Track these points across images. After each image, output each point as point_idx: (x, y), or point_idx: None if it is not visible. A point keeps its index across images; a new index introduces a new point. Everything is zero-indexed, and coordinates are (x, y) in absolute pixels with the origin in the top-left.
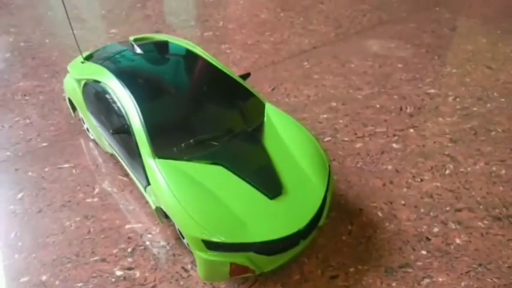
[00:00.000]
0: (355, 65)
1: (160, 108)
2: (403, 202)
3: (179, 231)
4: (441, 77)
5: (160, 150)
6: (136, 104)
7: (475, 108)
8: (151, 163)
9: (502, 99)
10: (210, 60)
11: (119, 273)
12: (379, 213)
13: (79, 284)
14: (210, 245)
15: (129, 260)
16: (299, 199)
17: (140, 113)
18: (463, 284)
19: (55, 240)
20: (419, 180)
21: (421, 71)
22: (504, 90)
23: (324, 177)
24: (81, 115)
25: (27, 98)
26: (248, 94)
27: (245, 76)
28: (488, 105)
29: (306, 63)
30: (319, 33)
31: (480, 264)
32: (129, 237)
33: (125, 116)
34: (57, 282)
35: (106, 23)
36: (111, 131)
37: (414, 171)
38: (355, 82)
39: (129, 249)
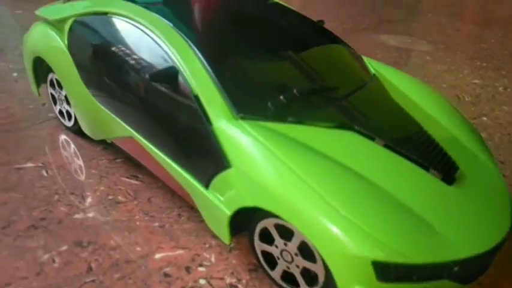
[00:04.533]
0: (382, 57)
1: (232, 47)
2: None
3: (261, 258)
4: (476, 69)
5: (247, 107)
6: (188, 37)
7: None
8: (230, 128)
9: None
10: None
11: None
12: None
13: None
14: (387, 272)
15: None
16: (481, 183)
17: (199, 52)
18: None
19: (25, 285)
20: None
21: (453, 63)
22: None
23: (485, 148)
24: (50, 91)
25: None
26: (340, 41)
27: (321, 22)
28: None
29: None
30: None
31: None
32: (166, 274)
33: (170, 57)
34: None
35: None
36: (147, 76)
37: None
38: None
39: None
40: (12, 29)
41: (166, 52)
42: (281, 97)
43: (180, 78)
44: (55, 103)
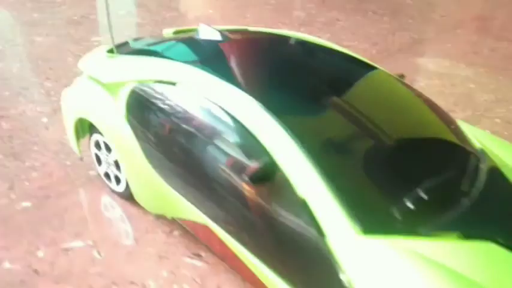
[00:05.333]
0: (426, 85)
1: (340, 136)
2: None
3: None
4: None
5: (367, 217)
6: (285, 123)
7: None
8: (350, 244)
9: None
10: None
11: None
12: None
13: None
14: None
15: None
16: None
17: (302, 144)
18: None
19: None
20: None
21: (498, 91)
22: None
23: None
24: (95, 151)
25: None
26: (434, 105)
27: (402, 77)
28: None
29: None
30: (359, 49)
31: None
32: None
33: (264, 148)
34: None
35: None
36: (246, 178)
37: None
38: (440, 103)
39: None
40: (34, 61)
41: (258, 141)
42: (406, 202)
43: (280, 175)
44: (99, 163)
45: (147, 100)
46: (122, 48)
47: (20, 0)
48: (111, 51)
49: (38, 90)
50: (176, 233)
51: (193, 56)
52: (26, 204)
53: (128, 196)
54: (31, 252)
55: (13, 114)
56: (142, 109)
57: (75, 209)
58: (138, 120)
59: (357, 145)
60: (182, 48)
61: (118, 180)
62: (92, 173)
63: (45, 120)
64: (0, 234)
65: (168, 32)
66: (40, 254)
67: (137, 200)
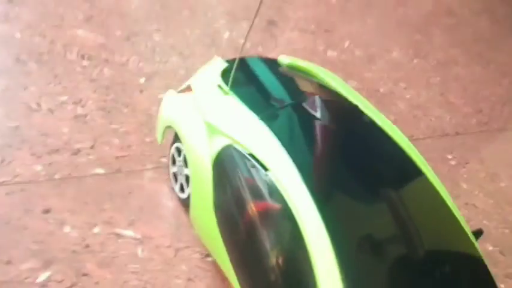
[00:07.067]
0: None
1: None
2: None
3: None
4: None
5: None
6: None
7: None
8: None
9: None
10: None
11: None
12: None
13: None
14: None
15: None
16: None
17: None
18: None
19: None
20: None
21: None
22: None
23: None
24: (173, 152)
25: (85, 64)
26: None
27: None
28: None
29: (450, 157)
30: (460, 111)
31: None
32: None
33: None
34: None
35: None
36: None
37: None
38: None
39: None
40: (153, 3)
41: None
42: None
43: None
44: (173, 162)
45: (237, 167)
46: (235, 75)
47: None
48: (225, 73)
49: (145, 41)
50: (210, 259)
51: (295, 139)
52: (99, 171)
53: (185, 205)
54: (89, 224)
55: (117, 61)
56: (229, 170)
57: (138, 194)
58: (221, 176)
59: None
60: (287, 119)
61: (182, 188)
62: (164, 160)
63: (142, 81)
64: (71, 195)
65: (283, 61)
66: (96, 230)
67: (192, 222)
